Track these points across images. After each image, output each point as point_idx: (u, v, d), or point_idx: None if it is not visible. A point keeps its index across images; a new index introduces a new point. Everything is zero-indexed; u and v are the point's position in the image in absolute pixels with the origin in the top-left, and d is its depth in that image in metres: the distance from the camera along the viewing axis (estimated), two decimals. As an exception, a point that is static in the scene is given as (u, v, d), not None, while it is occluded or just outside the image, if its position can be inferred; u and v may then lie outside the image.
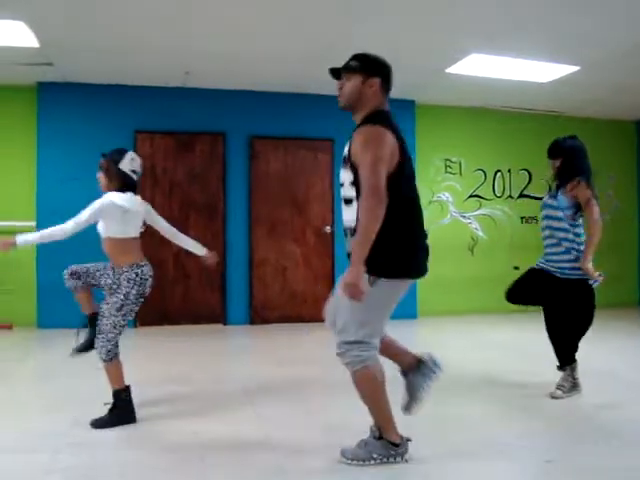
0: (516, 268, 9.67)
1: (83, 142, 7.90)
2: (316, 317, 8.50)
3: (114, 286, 4.02)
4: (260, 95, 8.44)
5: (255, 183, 8.41)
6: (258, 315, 8.39)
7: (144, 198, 7.79)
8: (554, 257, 4.67)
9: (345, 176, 3.17)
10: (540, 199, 9.67)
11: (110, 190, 4.13)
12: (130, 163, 4.13)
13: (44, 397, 4.59)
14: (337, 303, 3.25)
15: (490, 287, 9.51)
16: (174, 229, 4.39)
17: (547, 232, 4.74)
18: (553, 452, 3.38)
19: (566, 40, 6.53)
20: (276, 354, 6.38)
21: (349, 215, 3.16)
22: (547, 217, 4.75)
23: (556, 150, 4.84)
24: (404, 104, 8.94)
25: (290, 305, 8.53)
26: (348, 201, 3.17)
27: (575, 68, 7.44)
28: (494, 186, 9.72)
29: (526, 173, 9.90)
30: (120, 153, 4.14)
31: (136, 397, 4.01)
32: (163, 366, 5.46)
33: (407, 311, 8.58)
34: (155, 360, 5.82)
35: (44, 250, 7.69)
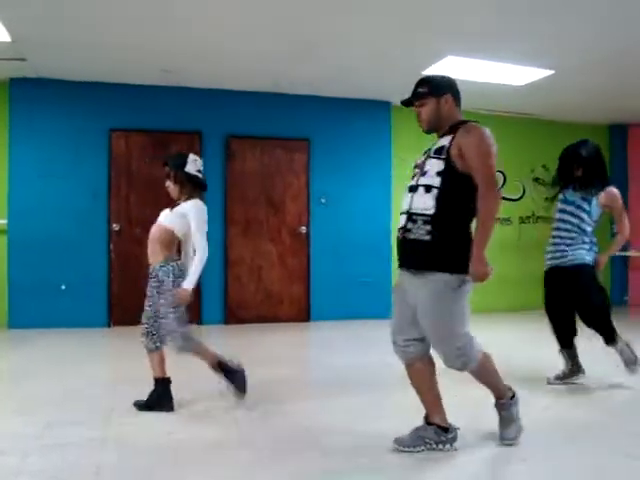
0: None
1: (57, 139, 7.85)
2: (292, 317, 8.55)
3: (157, 285, 4.17)
4: (237, 94, 8.42)
5: (231, 182, 8.38)
6: (233, 315, 8.36)
7: (119, 196, 7.89)
8: (565, 247, 4.86)
9: (434, 165, 3.21)
10: (514, 200, 9.88)
11: (183, 195, 4.22)
12: (194, 164, 4.21)
13: (15, 399, 4.52)
14: (421, 316, 3.22)
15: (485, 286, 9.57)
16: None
17: (568, 226, 4.88)
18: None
19: (541, 44, 6.61)
20: (251, 354, 6.35)
21: (426, 202, 3.17)
22: (569, 213, 4.90)
23: (578, 160, 4.95)
24: (380, 105, 8.98)
25: (266, 305, 8.51)
26: (429, 189, 3.18)
27: (550, 72, 7.53)
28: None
29: (500, 175, 9.97)
30: (182, 157, 4.23)
31: (109, 397, 3.98)
32: (136, 366, 5.40)
33: (381, 311, 8.58)
34: (128, 360, 5.76)
35: (15, 250, 7.62)
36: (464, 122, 3.31)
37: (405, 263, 3.32)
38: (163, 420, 3.94)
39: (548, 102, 9.14)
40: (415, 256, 3.22)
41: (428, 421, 3.39)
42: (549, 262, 4.96)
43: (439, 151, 3.24)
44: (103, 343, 7.06)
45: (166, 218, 4.20)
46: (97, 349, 6.62)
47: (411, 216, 3.22)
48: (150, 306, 4.14)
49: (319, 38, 6.45)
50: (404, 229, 3.25)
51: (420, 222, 3.16)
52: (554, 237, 4.93)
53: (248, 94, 8.45)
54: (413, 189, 3.28)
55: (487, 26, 6.06)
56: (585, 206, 4.82)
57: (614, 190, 4.87)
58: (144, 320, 4.16)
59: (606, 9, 5.62)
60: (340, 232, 8.53)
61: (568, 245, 4.81)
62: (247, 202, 8.46)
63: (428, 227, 3.13)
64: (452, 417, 3.45)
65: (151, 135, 8.16)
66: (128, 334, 7.33)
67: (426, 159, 3.31)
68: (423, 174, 3.26)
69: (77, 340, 6.88)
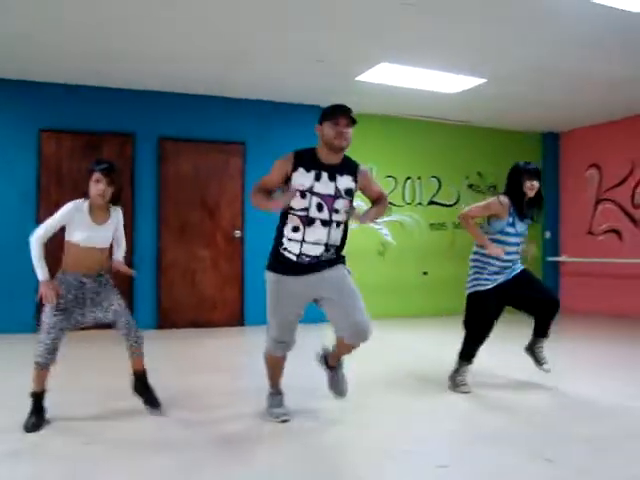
0: (425, 273, 9.92)
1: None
2: (226, 321, 8.49)
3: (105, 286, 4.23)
4: (171, 96, 8.32)
5: (164, 185, 8.28)
6: (166, 319, 8.25)
7: (49, 199, 7.69)
8: (513, 265, 4.91)
9: (344, 205, 3.79)
10: (449, 206, 10.02)
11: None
12: None
13: None
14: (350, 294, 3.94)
15: (400, 292, 9.69)
16: None
17: (517, 248, 4.93)
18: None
19: (473, 53, 6.74)
20: (183, 360, 6.28)
21: (337, 235, 3.86)
22: (520, 238, 4.94)
23: (539, 174, 5.00)
24: (312, 109, 8.96)
25: (199, 309, 8.42)
26: (339, 224, 3.82)
27: (482, 80, 7.67)
28: (404, 193, 9.89)
29: (436, 180, 10.12)
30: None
31: (25, 408, 3.87)
32: (67, 373, 5.29)
33: (315, 315, 8.58)
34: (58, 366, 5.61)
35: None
36: (352, 160, 3.98)
37: (313, 270, 3.86)
38: (79, 429, 3.85)
39: (482, 110, 9.31)
40: (325, 263, 3.89)
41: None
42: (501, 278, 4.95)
43: (348, 192, 3.81)
44: (29, 350, 6.86)
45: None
46: (22, 356, 6.43)
47: (327, 247, 3.83)
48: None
49: (254, 43, 6.43)
50: (317, 257, 3.82)
51: (332, 250, 3.88)
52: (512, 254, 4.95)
53: (182, 96, 8.36)
54: (327, 223, 3.77)
55: (420, 34, 6.14)
56: (525, 229, 5.04)
57: None
58: None
59: (538, 23, 5.78)
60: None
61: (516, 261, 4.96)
62: (181, 205, 8.36)
63: (333, 250, 3.90)
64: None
65: (83, 137, 7.98)
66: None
67: (336, 197, 3.77)
68: (335, 211, 3.78)
69: (1, 346, 6.70)
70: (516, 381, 5.21)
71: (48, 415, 3.95)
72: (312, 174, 3.73)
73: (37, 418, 3.84)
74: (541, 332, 5.04)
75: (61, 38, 6.35)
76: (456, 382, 4.83)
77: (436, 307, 9.79)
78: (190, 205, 8.39)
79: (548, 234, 10.86)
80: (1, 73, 7.53)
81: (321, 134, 3.79)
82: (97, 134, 8.03)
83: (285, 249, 3.83)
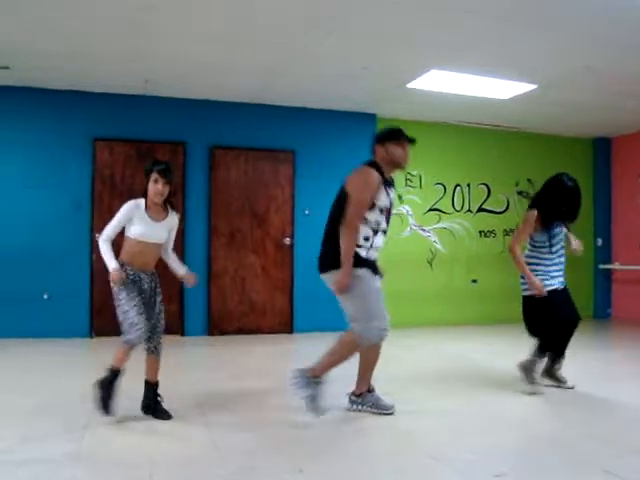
0: (474, 281, 9.82)
1: (41, 149, 7.78)
2: (275, 328, 8.52)
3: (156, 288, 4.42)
4: (222, 105, 8.41)
5: (215, 193, 8.36)
6: (216, 326, 8.32)
7: (102, 206, 7.84)
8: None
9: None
10: (498, 213, 9.92)
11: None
12: None
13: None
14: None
15: (449, 300, 9.62)
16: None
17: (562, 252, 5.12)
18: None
19: (523, 59, 6.66)
20: (232, 366, 6.33)
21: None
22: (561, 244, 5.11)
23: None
24: (366, 117, 9.00)
25: (249, 316, 8.47)
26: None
27: (533, 86, 7.58)
28: (453, 200, 9.81)
29: (485, 188, 10.02)
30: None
31: (84, 410, 3.94)
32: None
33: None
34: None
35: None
36: None
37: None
38: (139, 434, 3.90)
39: (532, 116, 9.19)
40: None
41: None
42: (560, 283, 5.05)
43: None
44: (83, 354, 7.00)
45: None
46: (76, 360, 6.56)
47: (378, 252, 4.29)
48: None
49: (304, 51, 6.46)
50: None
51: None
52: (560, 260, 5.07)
53: (233, 105, 8.44)
54: (385, 232, 4.28)
55: (470, 40, 6.09)
56: None
57: None
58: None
59: (589, 27, 5.67)
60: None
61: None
62: (231, 213, 8.43)
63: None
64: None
65: (135, 145, 8.12)
66: (109, 345, 7.28)
67: (391, 210, 4.28)
68: (388, 222, 4.30)
69: (57, 350, 6.82)
70: (564, 388, 5.14)
71: (110, 421, 4.02)
72: (385, 192, 4.12)
73: (109, 395, 4.04)
74: (560, 351, 5.08)
75: (113, 52, 6.48)
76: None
77: (485, 315, 9.68)
78: (240, 213, 8.46)
79: (600, 241, 10.66)
80: (57, 85, 7.72)
81: (384, 153, 4.20)
82: (149, 143, 8.16)
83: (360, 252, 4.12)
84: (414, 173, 9.55)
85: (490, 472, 3.27)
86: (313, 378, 4.16)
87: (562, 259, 5.11)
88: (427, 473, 3.32)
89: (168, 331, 8.01)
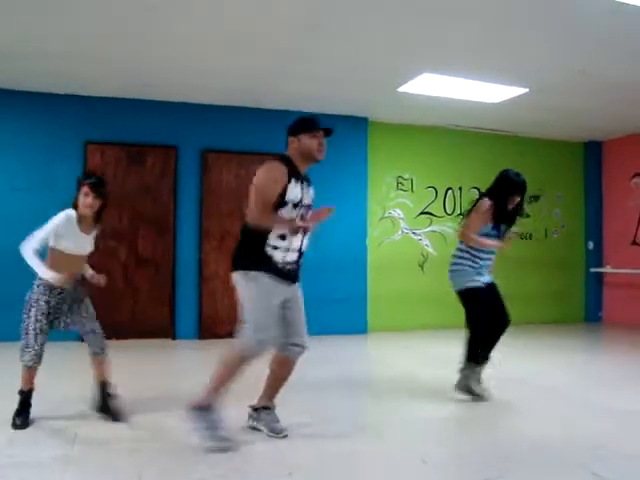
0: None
1: (31, 152, 7.75)
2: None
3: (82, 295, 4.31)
4: (213, 108, 8.41)
5: (207, 197, 8.36)
6: (208, 330, 8.31)
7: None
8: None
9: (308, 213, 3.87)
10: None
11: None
12: None
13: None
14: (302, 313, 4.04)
15: (440, 303, 9.61)
16: None
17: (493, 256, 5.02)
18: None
19: (515, 63, 6.69)
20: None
21: (306, 242, 3.89)
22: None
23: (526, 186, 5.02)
24: (357, 121, 9.02)
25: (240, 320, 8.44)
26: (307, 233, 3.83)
27: (524, 90, 7.61)
28: (445, 203, 9.84)
29: (477, 191, 10.01)
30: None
31: (77, 415, 3.92)
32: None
33: (357, 326, 8.60)
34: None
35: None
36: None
37: (294, 279, 3.94)
38: (126, 437, 3.89)
39: (523, 119, 9.23)
40: (297, 275, 3.97)
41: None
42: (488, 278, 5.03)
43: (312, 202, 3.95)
44: (76, 358, 6.95)
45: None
46: (69, 364, 6.53)
47: (300, 253, 3.87)
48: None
49: (297, 54, 6.48)
50: (294, 263, 3.86)
51: (302, 259, 3.93)
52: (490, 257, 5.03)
53: (225, 108, 8.45)
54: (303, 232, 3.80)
55: (462, 45, 6.12)
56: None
57: None
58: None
59: (579, 32, 5.71)
60: (316, 247, 8.46)
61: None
62: (223, 217, 8.42)
63: (301, 260, 3.94)
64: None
65: (127, 149, 8.11)
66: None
67: (310, 207, 3.91)
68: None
69: (50, 353, 6.77)
70: (546, 389, 5.16)
71: (100, 424, 4.00)
72: (299, 185, 3.78)
73: (25, 416, 4.07)
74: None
75: (106, 54, 6.47)
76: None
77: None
78: (231, 216, 8.44)
79: (591, 245, 10.70)
80: (48, 88, 7.70)
81: (296, 145, 3.82)
82: (141, 146, 8.15)
83: (270, 254, 3.74)
84: (406, 176, 9.57)
85: (480, 477, 3.28)
86: (204, 409, 3.75)
87: (493, 256, 5.06)
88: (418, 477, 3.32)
89: (159, 334, 8.12)
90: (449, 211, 9.86)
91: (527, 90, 7.61)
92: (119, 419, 4.19)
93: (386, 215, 9.45)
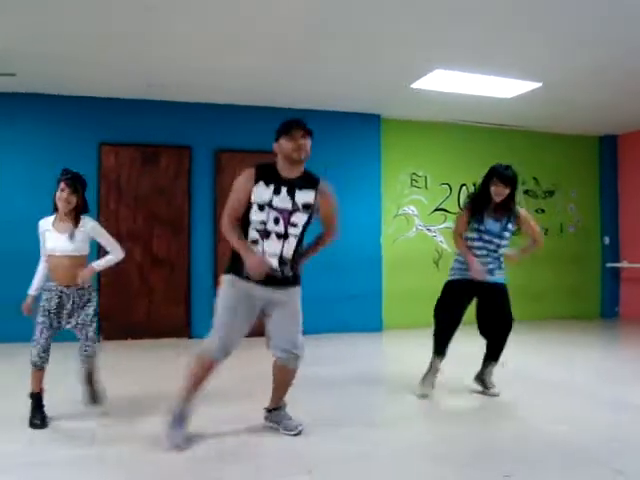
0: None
1: (46, 154, 7.78)
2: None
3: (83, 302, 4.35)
4: (226, 108, 8.43)
5: (221, 197, 8.35)
6: (224, 329, 8.32)
7: (108, 211, 7.86)
8: (490, 266, 4.98)
9: (302, 219, 3.78)
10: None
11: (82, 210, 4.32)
12: None
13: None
14: (294, 319, 3.95)
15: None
16: None
17: (492, 247, 4.98)
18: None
19: (528, 58, 6.64)
20: (237, 370, 6.31)
21: (291, 249, 3.78)
22: (490, 240, 4.98)
23: (513, 178, 4.93)
24: (370, 118, 9.01)
25: (256, 319, 8.46)
26: (295, 237, 3.77)
27: (537, 85, 7.56)
28: (459, 200, 9.80)
29: (491, 187, 9.98)
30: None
31: (94, 414, 3.94)
32: (125, 382, 5.37)
33: (372, 324, 8.59)
34: (115, 376, 5.72)
35: (0, 265, 7.56)
36: (313, 174, 3.91)
37: (278, 284, 3.84)
38: (147, 436, 3.90)
39: (537, 114, 9.17)
40: (285, 280, 3.85)
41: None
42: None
43: (307, 207, 3.78)
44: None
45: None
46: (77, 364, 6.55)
47: (281, 259, 3.76)
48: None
49: (307, 55, 6.48)
50: (280, 269, 3.77)
51: (288, 265, 3.79)
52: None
53: (238, 108, 8.46)
54: (282, 236, 3.75)
55: (474, 40, 6.08)
56: (505, 233, 5.06)
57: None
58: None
59: (590, 24, 5.65)
60: (330, 246, 8.48)
61: (494, 263, 5.06)
62: (237, 216, 8.42)
63: (289, 266, 3.81)
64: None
65: (141, 149, 8.15)
66: (117, 349, 7.31)
67: (294, 211, 3.76)
68: (293, 225, 3.76)
69: (61, 355, 6.82)
70: (561, 385, 5.13)
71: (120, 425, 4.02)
72: (271, 188, 3.76)
73: (41, 416, 4.13)
74: (493, 355, 5.10)
75: (120, 55, 6.51)
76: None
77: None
78: (246, 216, 8.45)
79: (607, 240, 10.61)
80: (62, 91, 7.76)
81: (279, 150, 3.90)
82: (155, 147, 8.19)
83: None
84: (419, 173, 9.55)
85: (498, 472, 3.27)
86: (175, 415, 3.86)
87: (483, 252, 5.01)
88: (435, 475, 3.32)
89: (175, 334, 8.15)
90: (464, 207, 9.80)
91: (540, 84, 7.55)
92: (97, 402, 4.45)
93: (400, 212, 9.43)
